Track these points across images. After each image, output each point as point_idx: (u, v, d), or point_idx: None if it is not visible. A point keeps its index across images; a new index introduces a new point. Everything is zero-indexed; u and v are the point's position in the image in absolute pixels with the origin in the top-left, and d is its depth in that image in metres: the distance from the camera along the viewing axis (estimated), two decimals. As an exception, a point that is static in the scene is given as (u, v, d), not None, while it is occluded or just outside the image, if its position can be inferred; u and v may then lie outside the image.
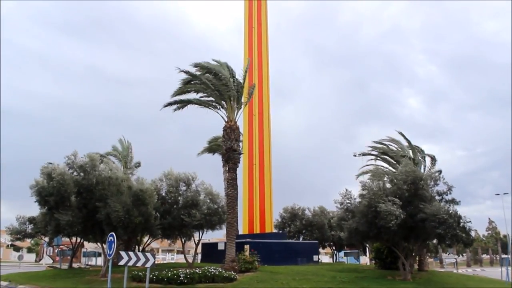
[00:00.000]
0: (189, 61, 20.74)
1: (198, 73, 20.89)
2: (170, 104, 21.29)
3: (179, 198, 23.35)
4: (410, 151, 25.88)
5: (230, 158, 21.21)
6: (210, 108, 21.79)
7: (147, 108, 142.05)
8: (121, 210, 18.59)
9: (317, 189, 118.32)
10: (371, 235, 20.01)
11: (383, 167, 26.66)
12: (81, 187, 19.71)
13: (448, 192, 20.40)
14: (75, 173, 20.20)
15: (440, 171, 21.80)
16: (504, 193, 45.02)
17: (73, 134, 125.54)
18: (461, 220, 18.58)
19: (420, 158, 25.98)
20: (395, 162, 25.45)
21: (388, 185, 20.45)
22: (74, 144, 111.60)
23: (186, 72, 20.45)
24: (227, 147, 21.20)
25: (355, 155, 27.37)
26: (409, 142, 25.85)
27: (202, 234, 24.60)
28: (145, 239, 27.36)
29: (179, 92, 21.16)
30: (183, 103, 21.49)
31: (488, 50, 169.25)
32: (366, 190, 20.23)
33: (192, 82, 21.17)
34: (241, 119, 24.04)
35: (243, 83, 21.45)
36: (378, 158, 27.27)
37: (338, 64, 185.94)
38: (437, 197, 20.51)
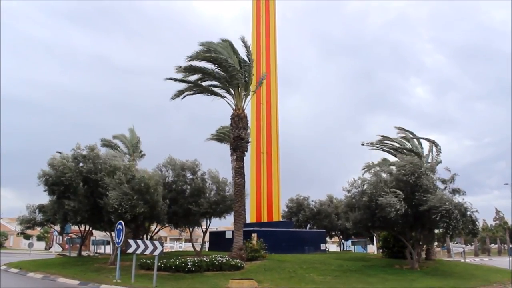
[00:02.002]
0: (195, 50, 20.32)
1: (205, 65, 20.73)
2: (177, 94, 21.41)
3: (187, 186, 23.03)
4: (416, 142, 25.79)
5: (238, 147, 21.17)
6: (217, 96, 21.65)
7: (153, 96, 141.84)
8: (117, 201, 17.96)
9: (323, 178, 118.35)
10: (375, 225, 20.17)
11: (391, 154, 26.60)
12: (85, 176, 19.74)
13: (450, 181, 20.24)
14: (81, 164, 20.27)
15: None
16: (513, 183, 44.58)
17: (80, 123, 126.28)
18: (467, 211, 18.48)
19: (421, 149, 25.97)
20: (401, 154, 25.31)
21: (388, 177, 20.34)
22: (81, 133, 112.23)
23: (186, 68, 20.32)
24: (235, 136, 21.13)
25: (363, 144, 27.23)
26: (413, 134, 25.76)
27: (210, 222, 24.65)
28: (153, 227, 27.51)
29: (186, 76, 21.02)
30: (191, 90, 21.45)
31: (496, 39, 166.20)
32: (366, 184, 20.25)
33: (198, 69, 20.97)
34: (248, 108, 23.87)
35: (252, 71, 21.29)
36: (385, 150, 27.24)
37: (344, 53, 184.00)
38: (441, 186, 20.40)
